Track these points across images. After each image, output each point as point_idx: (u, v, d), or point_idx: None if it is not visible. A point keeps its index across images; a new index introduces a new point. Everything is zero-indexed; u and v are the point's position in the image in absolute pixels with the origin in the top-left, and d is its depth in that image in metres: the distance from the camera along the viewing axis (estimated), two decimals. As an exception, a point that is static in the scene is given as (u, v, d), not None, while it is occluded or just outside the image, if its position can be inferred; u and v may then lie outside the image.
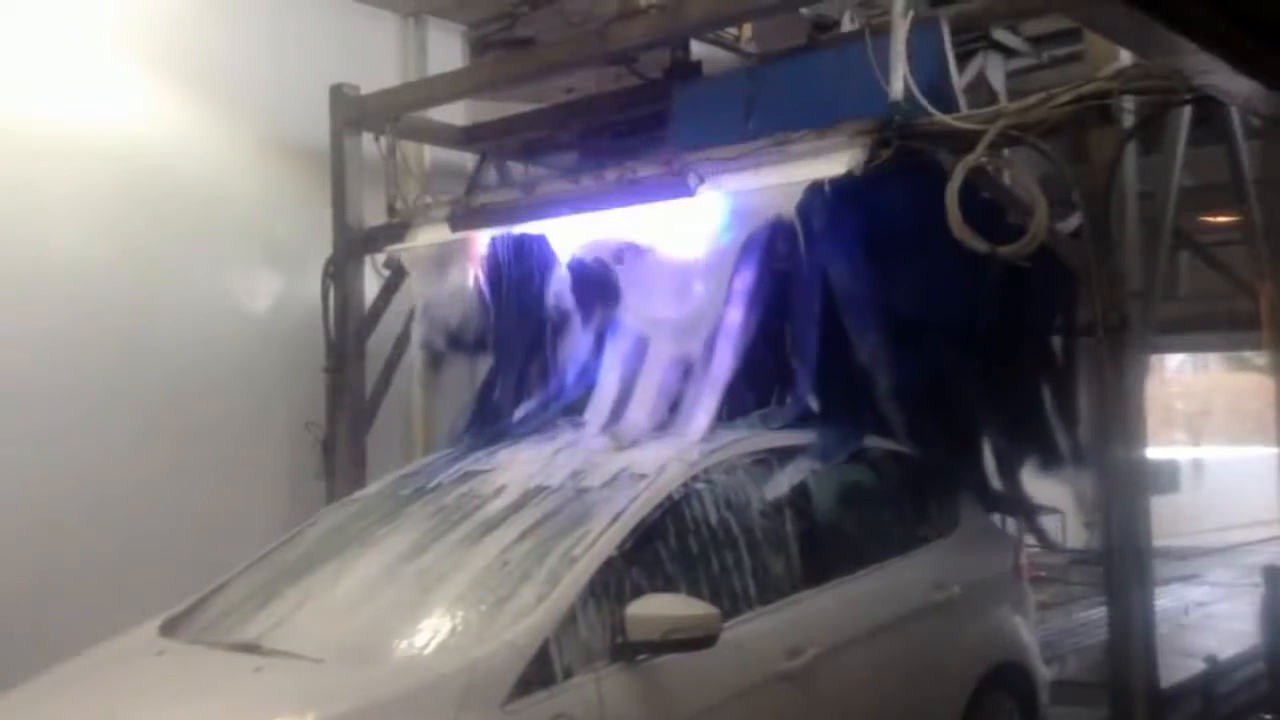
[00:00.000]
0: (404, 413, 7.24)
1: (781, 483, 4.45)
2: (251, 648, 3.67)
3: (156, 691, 3.60)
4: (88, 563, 5.74)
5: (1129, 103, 4.33)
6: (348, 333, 6.69)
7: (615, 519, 3.87)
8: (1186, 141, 4.81)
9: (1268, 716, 5.44)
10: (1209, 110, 4.78)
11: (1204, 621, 8.82)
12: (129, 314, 6.16)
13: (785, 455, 4.61)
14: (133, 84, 6.24)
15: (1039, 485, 5.58)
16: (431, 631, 3.57)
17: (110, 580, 5.67)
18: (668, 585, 3.83)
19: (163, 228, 6.33)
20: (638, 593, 3.68)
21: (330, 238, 6.75)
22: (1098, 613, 6.78)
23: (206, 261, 6.59)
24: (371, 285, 6.75)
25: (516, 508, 4.16)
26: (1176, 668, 5.49)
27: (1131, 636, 4.33)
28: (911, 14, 4.66)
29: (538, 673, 3.38)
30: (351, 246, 6.69)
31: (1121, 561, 4.37)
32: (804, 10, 5.72)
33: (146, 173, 6.25)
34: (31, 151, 5.82)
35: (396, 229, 6.39)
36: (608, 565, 3.69)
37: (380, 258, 6.64)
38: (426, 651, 3.49)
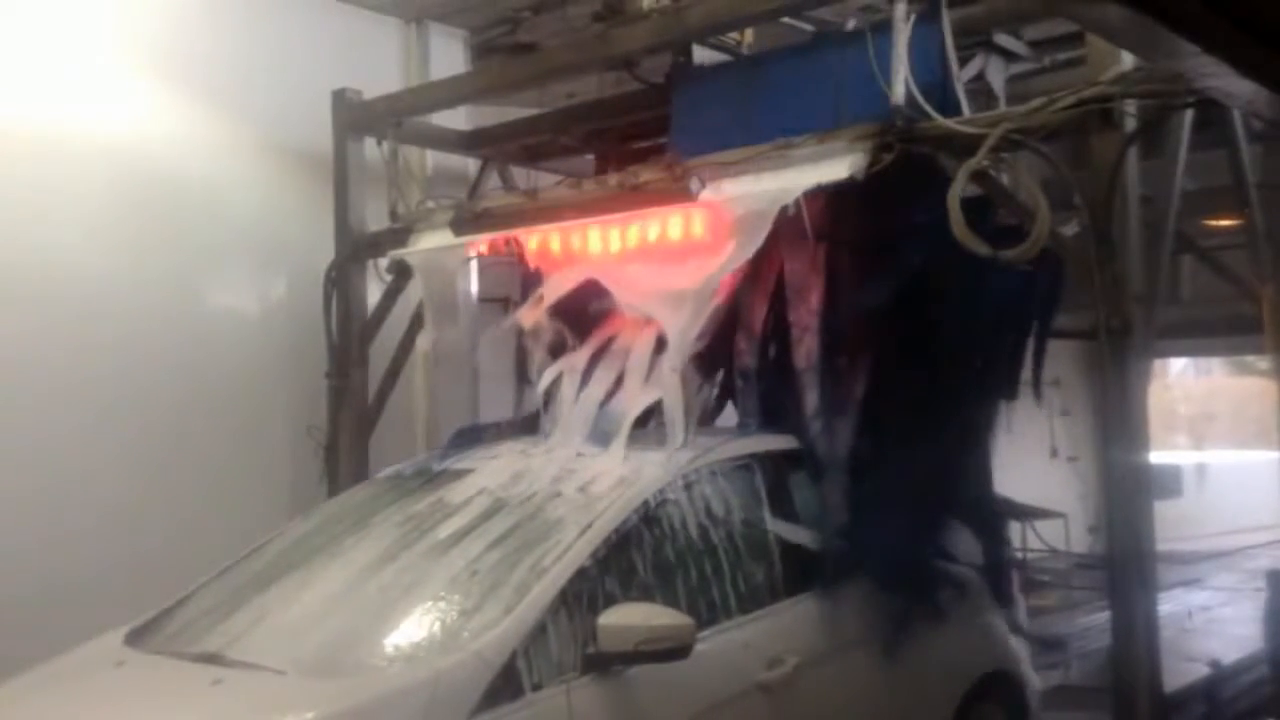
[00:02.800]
0: (407, 417, 7.25)
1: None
2: (213, 659, 3.59)
3: (111, 703, 3.54)
4: (89, 569, 5.73)
5: (1131, 107, 4.33)
6: (350, 337, 6.69)
7: (588, 527, 3.79)
8: (1189, 145, 4.80)
9: (1271, 721, 5.44)
10: (1211, 114, 4.78)
11: (1207, 626, 8.81)
12: (130, 319, 6.15)
13: (766, 461, 4.53)
14: (134, 89, 6.24)
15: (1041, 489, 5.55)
16: (396, 643, 3.52)
17: (112, 586, 5.65)
18: (643, 595, 3.75)
19: (164, 233, 6.33)
20: (611, 602, 3.61)
21: (332, 242, 6.76)
22: (1101, 617, 6.78)
23: (208, 266, 6.60)
24: (374, 290, 6.76)
25: (489, 514, 4.07)
26: (1180, 672, 5.49)
27: (1135, 641, 4.31)
28: (913, 17, 4.67)
29: (505, 685, 3.32)
30: (353, 251, 6.69)
31: (1124, 566, 4.34)
32: (805, 24, 5.72)
33: (148, 178, 6.25)
34: (33, 156, 5.81)
35: (399, 233, 6.39)
36: (580, 575, 3.63)
37: (383, 262, 6.66)
38: (390, 663, 3.43)
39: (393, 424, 6.89)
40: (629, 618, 3.52)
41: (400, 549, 4.00)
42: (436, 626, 3.54)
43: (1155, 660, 4.36)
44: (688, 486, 4.17)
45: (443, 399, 7.39)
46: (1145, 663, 4.31)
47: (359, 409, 6.69)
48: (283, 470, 6.74)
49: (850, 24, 5.37)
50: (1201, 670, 5.87)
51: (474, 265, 6.32)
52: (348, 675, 3.37)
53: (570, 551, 3.69)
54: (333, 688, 3.29)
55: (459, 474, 4.55)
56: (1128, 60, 4.29)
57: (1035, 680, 5.31)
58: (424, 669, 3.31)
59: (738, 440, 4.62)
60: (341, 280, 6.70)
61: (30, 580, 5.57)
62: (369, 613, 3.71)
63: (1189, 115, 4.66)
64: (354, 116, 6.74)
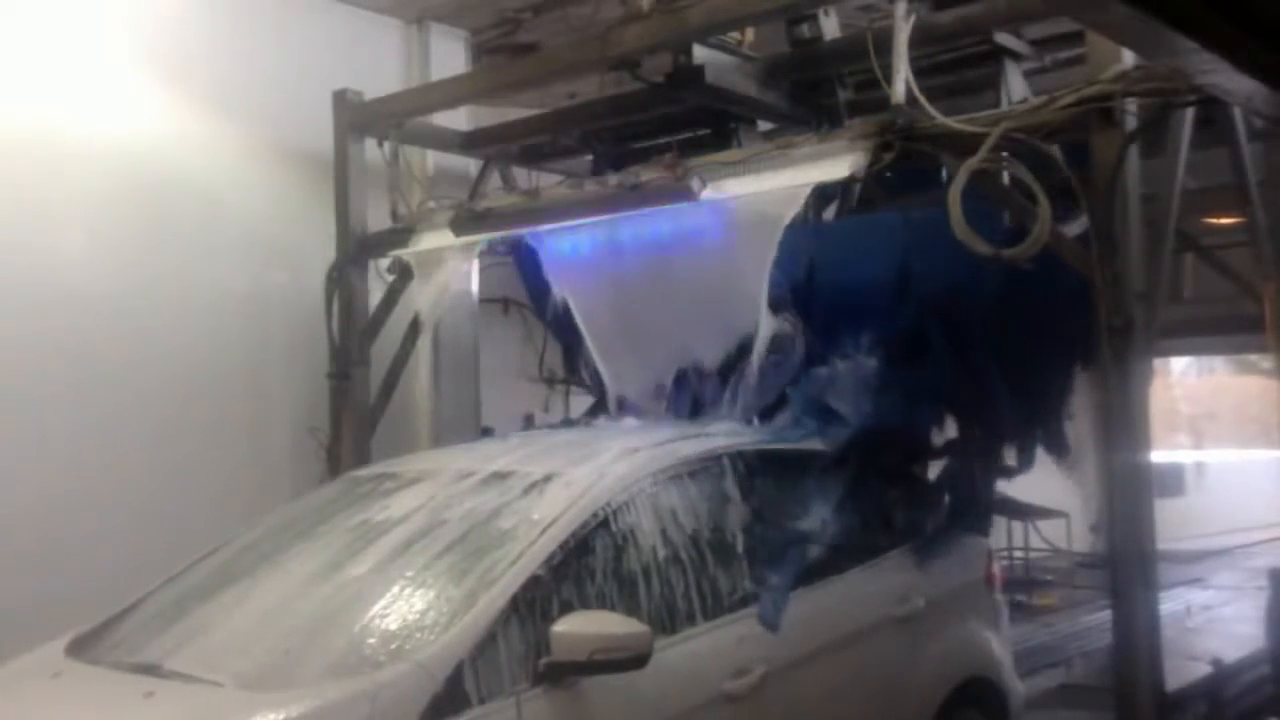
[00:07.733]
0: (409, 418, 7.25)
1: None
2: (151, 670, 3.45)
3: (38, 716, 3.43)
4: (90, 573, 5.69)
5: (1132, 105, 4.33)
6: (351, 338, 6.71)
7: (542, 532, 3.63)
8: (1190, 144, 4.80)
9: (1273, 720, 5.43)
10: (1212, 112, 4.77)
11: (1209, 625, 8.81)
12: (131, 320, 6.15)
13: (737, 459, 4.40)
14: (136, 90, 6.24)
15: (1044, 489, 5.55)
16: (337, 654, 3.34)
17: (113, 590, 5.60)
18: (601, 602, 3.62)
19: (166, 234, 6.34)
20: (567, 611, 3.48)
21: (333, 243, 6.77)
22: (1103, 616, 6.77)
23: (210, 267, 6.60)
24: (375, 290, 6.76)
25: (441, 520, 3.90)
26: (1182, 671, 5.48)
27: (1136, 640, 4.31)
28: (914, 17, 4.66)
29: (450, 697, 3.17)
30: (355, 251, 6.70)
31: (1126, 565, 4.34)
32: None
33: (149, 179, 6.26)
34: (35, 158, 5.82)
35: (400, 234, 6.40)
36: (533, 582, 3.47)
37: (384, 263, 6.66)
38: (330, 675, 3.24)
39: (395, 424, 6.90)
40: (583, 626, 3.38)
41: (346, 557, 3.84)
42: (379, 637, 3.39)
43: (1157, 659, 4.36)
44: (652, 488, 4.02)
45: (445, 399, 7.39)
46: (1147, 661, 4.31)
47: (361, 409, 6.70)
48: (285, 471, 6.73)
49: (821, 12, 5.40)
50: (1203, 669, 5.85)
51: (475, 265, 6.33)
52: (285, 687, 3.21)
53: (523, 558, 3.54)
54: (268, 700, 3.13)
55: (416, 478, 4.36)
56: (1128, 59, 4.29)
57: (1018, 687, 5.19)
58: (364, 681, 3.16)
59: (706, 439, 4.48)
60: (343, 281, 6.72)
61: (30, 584, 5.55)
62: (311, 623, 3.54)
63: (1190, 113, 4.65)
64: (355, 117, 6.75)
